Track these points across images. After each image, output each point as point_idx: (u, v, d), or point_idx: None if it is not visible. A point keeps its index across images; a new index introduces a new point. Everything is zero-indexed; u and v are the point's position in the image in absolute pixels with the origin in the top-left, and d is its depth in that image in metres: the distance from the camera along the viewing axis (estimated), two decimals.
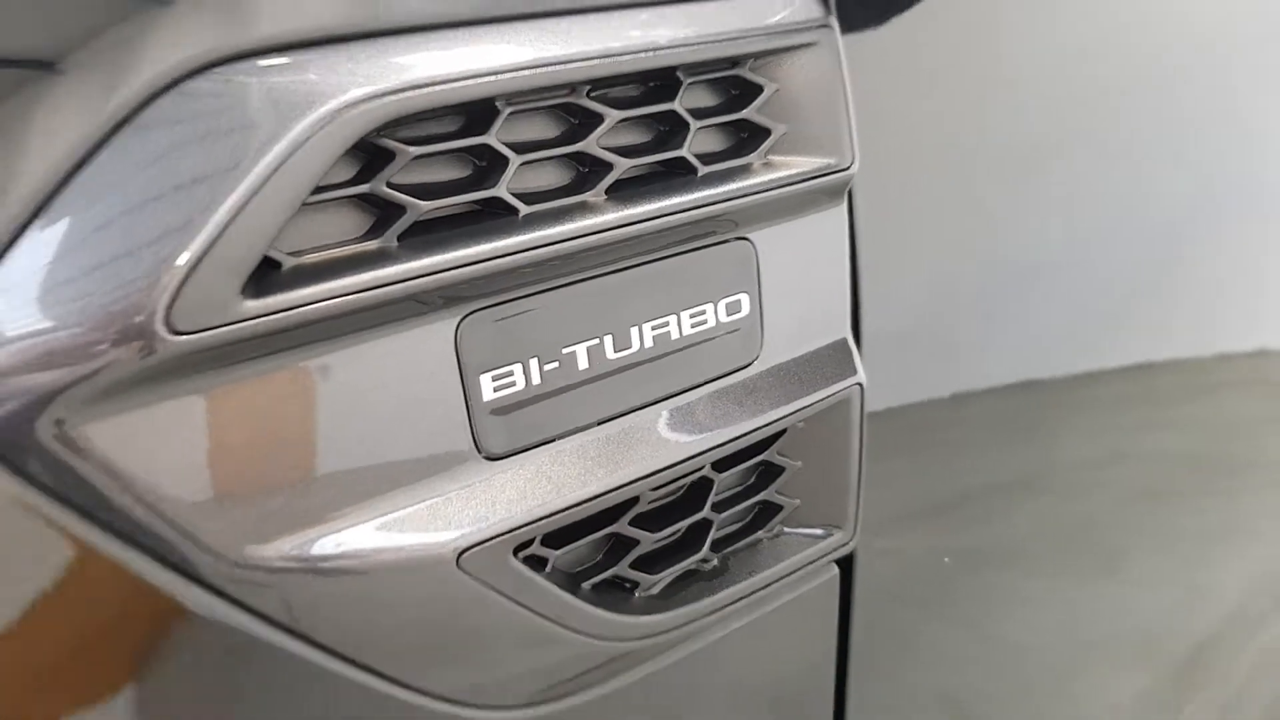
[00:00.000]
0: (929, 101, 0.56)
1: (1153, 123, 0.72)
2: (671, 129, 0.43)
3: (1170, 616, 0.88)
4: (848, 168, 0.46)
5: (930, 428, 0.61)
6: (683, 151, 0.42)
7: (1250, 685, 0.96)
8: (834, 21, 0.45)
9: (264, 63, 0.32)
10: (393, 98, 0.34)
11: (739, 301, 0.45)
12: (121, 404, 0.32)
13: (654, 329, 0.43)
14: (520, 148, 0.38)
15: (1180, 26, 0.75)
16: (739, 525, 0.51)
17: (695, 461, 0.45)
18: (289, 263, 0.34)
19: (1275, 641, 0.98)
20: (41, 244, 0.30)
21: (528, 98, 0.38)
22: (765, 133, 0.44)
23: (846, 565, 0.55)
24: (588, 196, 0.40)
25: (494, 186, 0.38)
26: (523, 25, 0.37)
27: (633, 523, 0.46)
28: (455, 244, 0.36)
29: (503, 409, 0.40)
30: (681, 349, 0.44)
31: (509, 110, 0.38)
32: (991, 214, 0.61)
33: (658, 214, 0.41)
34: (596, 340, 0.41)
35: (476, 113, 0.38)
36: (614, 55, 0.39)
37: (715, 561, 0.49)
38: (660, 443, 0.44)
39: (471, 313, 0.38)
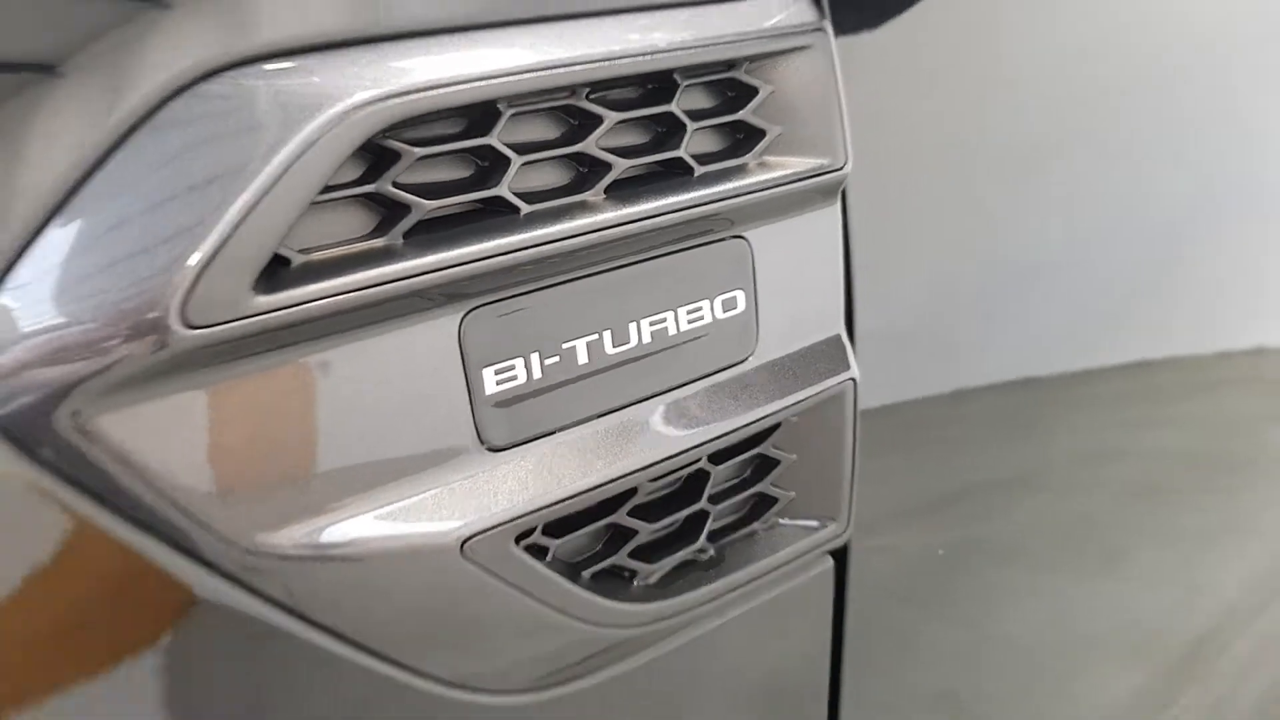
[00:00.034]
0: (930, 102, 0.56)
1: (1153, 123, 0.73)
2: (669, 130, 0.43)
3: (1169, 613, 0.88)
4: (841, 168, 0.46)
5: (930, 425, 0.61)
6: (680, 152, 0.43)
7: (1246, 680, 0.96)
8: (828, 25, 0.46)
9: (275, 67, 0.33)
10: (399, 100, 0.34)
11: (735, 298, 0.46)
12: (137, 396, 0.32)
13: (652, 325, 0.44)
14: (522, 148, 0.39)
15: (1180, 26, 0.75)
16: (735, 517, 0.51)
17: (692, 454, 0.46)
18: (298, 260, 0.34)
19: (1272, 637, 0.98)
20: (60, 242, 0.31)
21: (529, 100, 0.39)
22: (760, 134, 0.45)
23: (841, 557, 0.55)
24: (587, 196, 0.40)
25: (496, 186, 0.38)
26: (524, 30, 0.38)
27: (631, 513, 0.46)
28: (459, 242, 0.37)
29: (505, 402, 0.40)
30: (678, 344, 0.45)
31: (511, 112, 0.38)
32: (992, 213, 0.62)
33: (655, 213, 0.41)
34: (596, 335, 0.42)
35: (479, 114, 0.38)
36: (613, 59, 0.39)
37: (712, 552, 0.50)
38: (658, 435, 0.44)
39: (474, 308, 0.39)
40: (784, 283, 0.48)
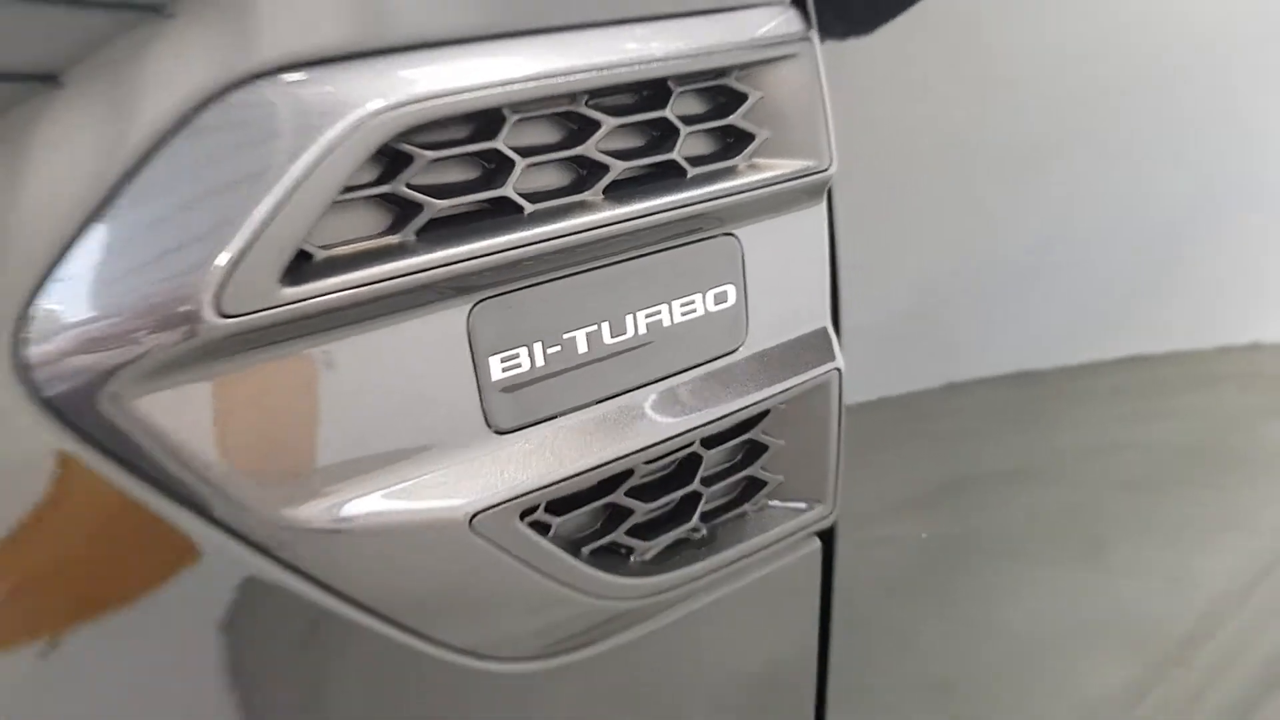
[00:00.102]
0: (931, 102, 0.57)
1: (1153, 123, 0.72)
2: (663, 134, 0.44)
3: (1163, 606, 0.88)
4: (826, 169, 0.47)
5: (930, 418, 0.61)
6: (673, 155, 0.44)
7: (1243, 677, 0.96)
8: (814, 35, 0.47)
9: (298, 77, 0.34)
10: (412, 108, 0.35)
11: (725, 292, 0.47)
12: (174, 380, 0.34)
13: (647, 317, 0.45)
14: (526, 151, 0.40)
15: (1180, 26, 0.74)
16: (727, 498, 0.52)
17: (685, 438, 0.47)
18: (321, 255, 0.36)
19: (1267, 629, 0.98)
20: (103, 238, 0.32)
21: (533, 106, 0.40)
22: (750, 137, 0.46)
23: (828, 539, 0.56)
24: (587, 196, 0.42)
25: (502, 187, 0.40)
26: (528, 41, 0.39)
27: (628, 493, 0.47)
28: (467, 239, 0.38)
29: (510, 388, 0.42)
30: (672, 335, 0.46)
31: (516, 118, 0.39)
32: (992, 212, 0.62)
33: (651, 212, 0.42)
34: (595, 326, 0.43)
35: (486, 120, 0.39)
36: (611, 67, 0.40)
37: (704, 531, 0.51)
38: (653, 420, 0.46)
39: (482, 301, 0.40)
40: (772, 278, 0.49)
